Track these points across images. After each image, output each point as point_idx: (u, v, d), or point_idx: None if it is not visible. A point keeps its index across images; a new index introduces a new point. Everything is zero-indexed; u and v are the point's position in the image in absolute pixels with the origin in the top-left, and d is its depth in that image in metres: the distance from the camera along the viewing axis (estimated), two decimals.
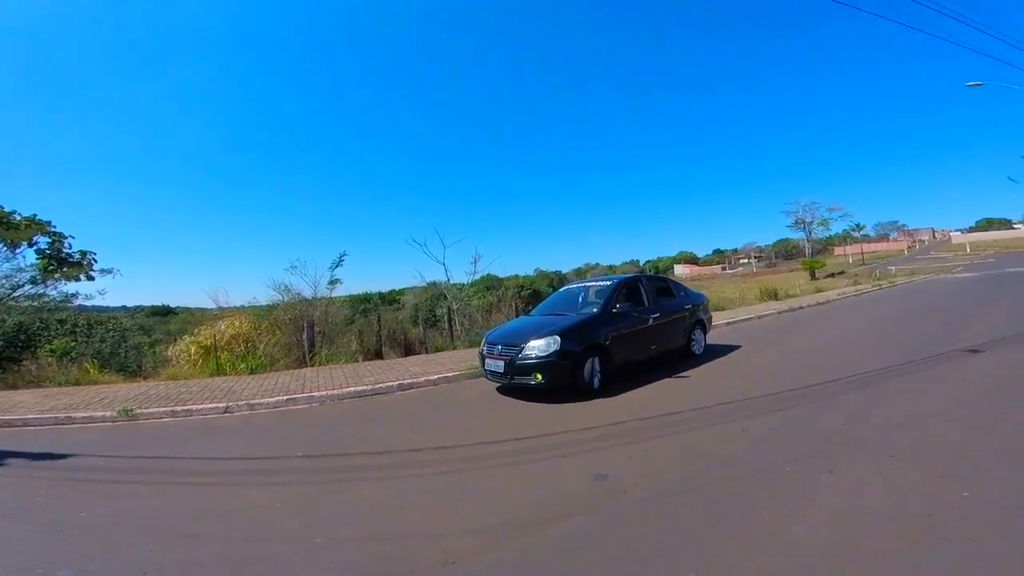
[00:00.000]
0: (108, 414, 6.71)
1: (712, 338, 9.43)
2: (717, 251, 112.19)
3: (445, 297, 14.04)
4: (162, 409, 6.85)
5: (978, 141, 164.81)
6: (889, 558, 2.35)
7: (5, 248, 12.43)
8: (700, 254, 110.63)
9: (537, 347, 6.16)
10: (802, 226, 68.35)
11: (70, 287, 13.68)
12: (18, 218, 12.59)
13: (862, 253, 70.34)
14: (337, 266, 12.90)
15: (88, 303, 14.26)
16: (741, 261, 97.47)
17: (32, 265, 12.96)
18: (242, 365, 10.12)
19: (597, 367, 6.41)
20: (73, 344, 11.64)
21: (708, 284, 37.00)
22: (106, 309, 15.77)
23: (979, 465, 3.33)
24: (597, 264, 62.81)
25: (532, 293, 23.21)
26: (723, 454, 3.91)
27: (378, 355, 11.36)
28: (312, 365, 10.48)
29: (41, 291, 13.07)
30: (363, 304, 24.48)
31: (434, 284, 15.43)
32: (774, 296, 21.00)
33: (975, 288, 18.52)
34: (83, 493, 4.17)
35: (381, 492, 3.77)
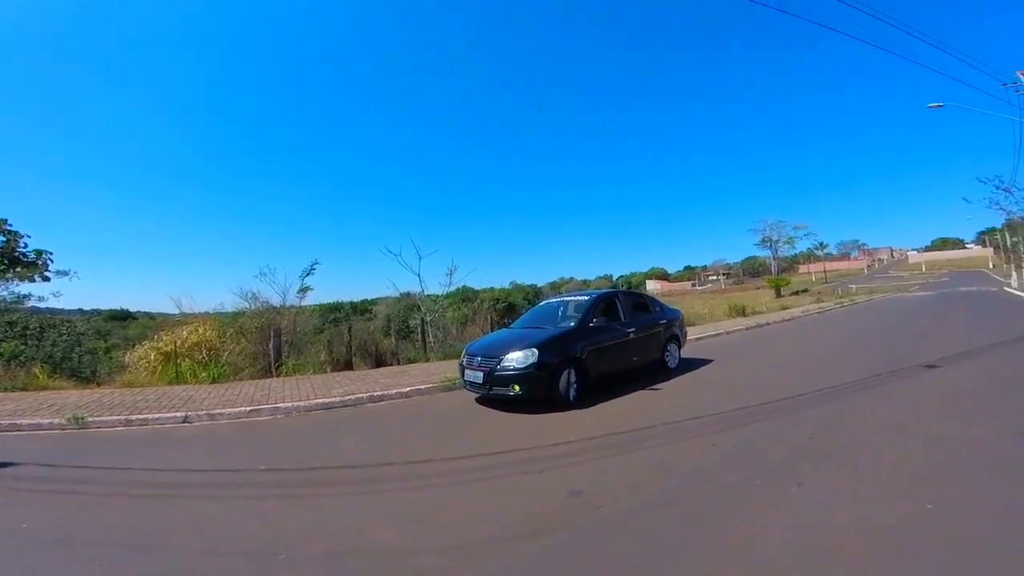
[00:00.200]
0: (57, 421, 6.35)
1: (684, 352, 9.58)
2: (688, 267, 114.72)
3: (419, 308, 13.85)
4: (116, 417, 6.50)
5: (935, 162, 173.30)
6: (861, 572, 2.39)
7: None
8: (671, 270, 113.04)
9: (515, 359, 6.21)
10: (769, 244, 70.91)
11: (23, 288, 13.04)
12: None
13: (825, 271, 73.01)
14: (308, 274, 12.66)
15: (41, 305, 13.64)
16: (710, 278, 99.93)
17: None
18: (204, 373, 9.74)
19: (573, 379, 6.47)
20: (23, 347, 11.03)
21: (679, 300, 37.67)
22: (61, 312, 15.06)
23: (940, 477, 3.43)
24: (572, 278, 63.46)
25: (507, 306, 23.14)
26: (696, 468, 3.93)
27: (348, 366, 11.08)
28: (278, 375, 10.15)
29: None
30: (334, 313, 23.95)
31: (408, 295, 15.22)
32: (742, 312, 21.57)
33: (931, 306, 19.49)
34: (26, 504, 3.92)
35: (349, 507, 3.63)
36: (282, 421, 6.62)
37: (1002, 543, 2.55)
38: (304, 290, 12.55)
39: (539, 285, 49.33)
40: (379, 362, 11.59)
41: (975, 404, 5.28)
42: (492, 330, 12.56)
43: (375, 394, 7.54)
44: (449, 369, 9.11)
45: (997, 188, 18.49)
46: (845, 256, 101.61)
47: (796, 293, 43.44)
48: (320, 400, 7.26)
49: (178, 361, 9.93)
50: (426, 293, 14.13)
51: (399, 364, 11.48)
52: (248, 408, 6.86)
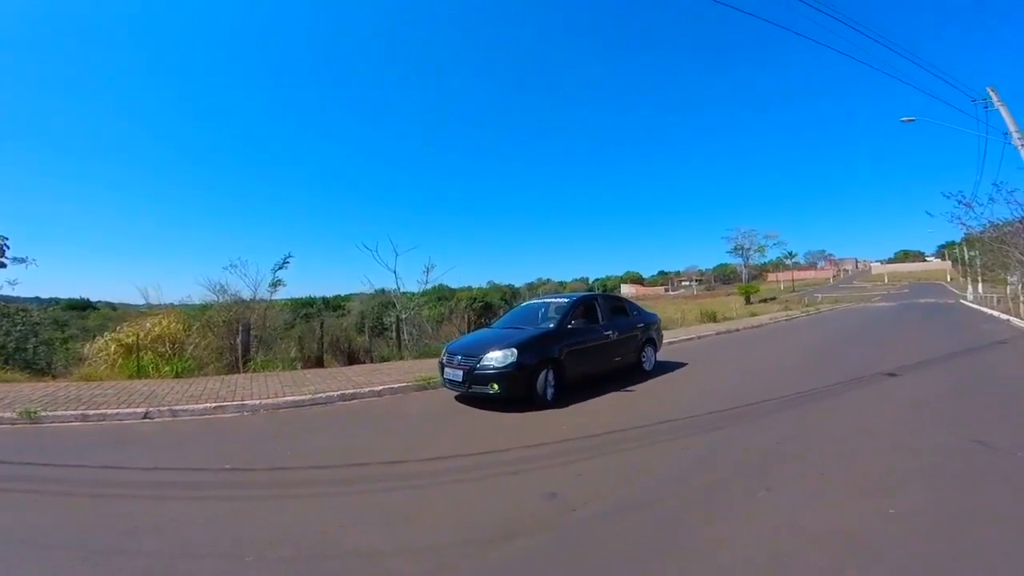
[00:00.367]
0: (7, 415, 6.03)
1: (659, 356, 9.72)
2: (662, 272, 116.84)
3: (394, 305, 13.68)
4: (72, 412, 6.21)
5: (902, 175, 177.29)
6: (829, 574, 2.45)
7: None
8: (646, 275, 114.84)
9: (495, 359, 6.26)
10: (740, 252, 72.61)
11: None
12: None
13: (792, 280, 75.38)
14: (281, 268, 12.36)
15: None
16: (683, 283, 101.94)
17: None
18: (167, 368, 9.40)
19: (551, 379, 6.53)
20: None
21: (652, 304, 37.82)
22: (16, 300, 14.24)
23: (900, 481, 3.57)
24: (549, 280, 63.48)
25: (484, 305, 23.09)
26: (668, 472, 3.98)
27: (319, 363, 10.86)
28: (246, 371, 9.86)
29: None
30: (305, 309, 23.42)
31: (383, 291, 14.98)
32: (713, 318, 22.01)
33: (892, 316, 20.38)
34: None
35: (320, 508, 3.54)
36: (249, 419, 6.42)
37: (961, 547, 2.66)
38: (276, 284, 12.26)
39: (516, 285, 49.48)
40: (352, 359, 11.41)
41: (933, 412, 5.51)
42: (469, 329, 12.52)
43: (347, 392, 7.40)
44: (424, 368, 9.03)
45: (959, 203, 19.26)
46: (812, 266, 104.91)
47: (765, 300, 44.69)
48: (289, 398, 7.08)
49: (140, 354, 9.54)
50: (402, 290, 13.98)
51: (372, 362, 11.32)
52: (213, 404, 6.63)
